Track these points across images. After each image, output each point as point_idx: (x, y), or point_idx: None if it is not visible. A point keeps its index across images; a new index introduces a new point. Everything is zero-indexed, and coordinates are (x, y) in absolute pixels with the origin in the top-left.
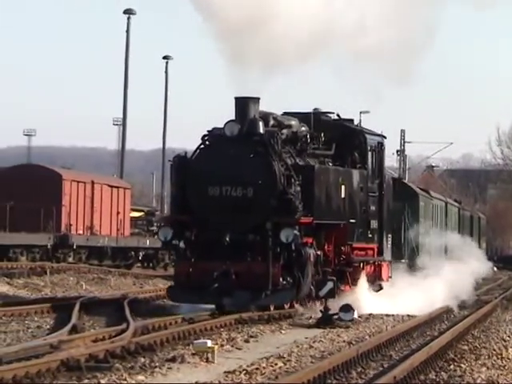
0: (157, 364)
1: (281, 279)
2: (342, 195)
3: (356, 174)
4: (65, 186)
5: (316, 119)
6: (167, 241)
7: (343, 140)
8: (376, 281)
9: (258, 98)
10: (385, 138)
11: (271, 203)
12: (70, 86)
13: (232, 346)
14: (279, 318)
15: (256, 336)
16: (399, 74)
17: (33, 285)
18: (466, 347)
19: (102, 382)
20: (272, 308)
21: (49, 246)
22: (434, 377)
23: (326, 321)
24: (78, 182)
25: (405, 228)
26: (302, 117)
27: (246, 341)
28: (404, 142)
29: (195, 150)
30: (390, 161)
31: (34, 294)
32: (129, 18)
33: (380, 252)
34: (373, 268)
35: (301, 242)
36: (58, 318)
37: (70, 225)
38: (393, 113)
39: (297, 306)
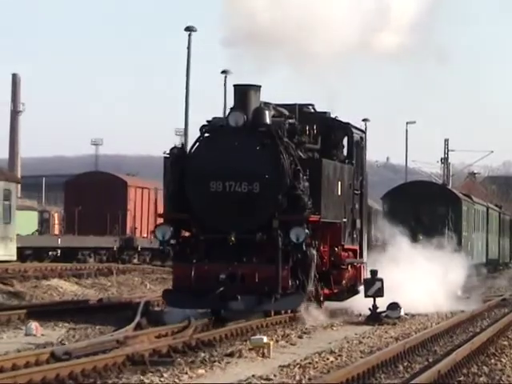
0: (216, 358)
1: (289, 282)
2: (339, 192)
3: (347, 170)
4: (130, 192)
5: (300, 111)
6: (165, 240)
7: (328, 133)
8: (356, 283)
9: (260, 86)
10: (364, 133)
11: (279, 199)
12: (135, 98)
13: (286, 342)
14: (331, 315)
15: (309, 332)
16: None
17: (100, 285)
18: (505, 343)
19: (165, 375)
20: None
21: (115, 248)
22: (475, 370)
23: (375, 318)
24: (143, 188)
25: (448, 232)
26: (287, 109)
27: (300, 337)
28: (448, 151)
29: (194, 142)
30: (434, 168)
31: (100, 294)
32: (190, 35)
33: (361, 253)
34: (354, 270)
35: (307, 243)
36: (123, 316)
37: (135, 228)
38: (437, 122)
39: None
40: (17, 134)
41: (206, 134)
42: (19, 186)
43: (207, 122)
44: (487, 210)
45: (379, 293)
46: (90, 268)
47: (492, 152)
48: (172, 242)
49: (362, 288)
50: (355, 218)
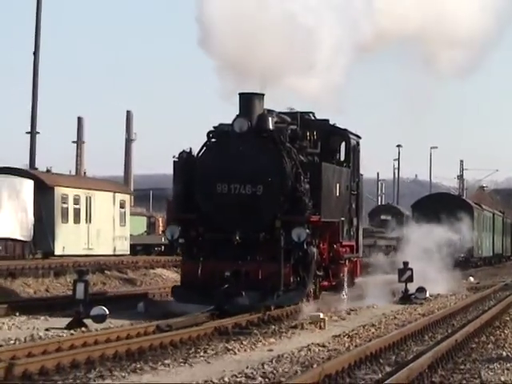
0: (283, 330)
1: (291, 279)
2: (338, 193)
3: (345, 173)
4: None
5: (301, 118)
6: (174, 239)
7: (327, 139)
8: (352, 277)
9: (263, 94)
10: (360, 138)
11: (281, 201)
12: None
13: (338, 317)
14: (372, 296)
15: (355, 310)
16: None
17: None
18: (507, 318)
19: (244, 342)
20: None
21: None
22: (485, 339)
23: (406, 299)
24: None
25: (463, 233)
26: (289, 116)
27: (348, 313)
28: (463, 169)
29: (202, 147)
30: (452, 182)
31: None
32: None
33: (357, 249)
34: (351, 264)
35: (308, 241)
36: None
37: None
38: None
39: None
40: (130, 157)
41: (213, 140)
42: (132, 197)
43: (214, 127)
44: (493, 216)
45: (410, 279)
46: None
47: (497, 170)
48: (180, 240)
49: (358, 280)
50: (352, 216)
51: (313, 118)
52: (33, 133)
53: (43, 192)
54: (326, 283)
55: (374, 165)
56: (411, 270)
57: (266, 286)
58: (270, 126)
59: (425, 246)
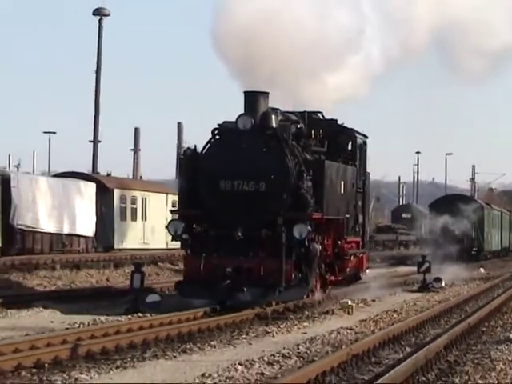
0: (316, 315)
1: (293, 275)
2: (342, 191)
3: (350, 171)
4: None
5: (309, 117)
6: (178, 235)
7: (334, 138)
8: (359, 271)
9: (268, 93)
10: (367, 137)
11: (283, 198)
12: None
13: (364, 304)
14: (394, 285)
15: (379, 298)
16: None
17: None
18: None
19: (281, 326)
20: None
21: None
22: (494, 323)
23: (424, 288)
24: None
25: (475, 229)
26: (297, 115)
27: (373, 300)
28: (474, 173)
29: (206, 144)
30: (464, 184)
31: None
32: None
33: (363, 245)
34: (356, 259)
35: (310, 238)
36: None
37: None
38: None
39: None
40: None
41: (217, 137)
42: None
43: (218, 125)
44: (501, 214)
45: (427, 270)
46: None
47: (504, 174)
48: (184, 236)
49: (366, 273)
50: (358, 213)
51: (321, 117)
52: (95, 141)
53: (104, 193)
54: (332, 278)
55: (396, 169)
56: (429, 262)
57: (268, 282)
58: (274, 124)
59: (441, 240)
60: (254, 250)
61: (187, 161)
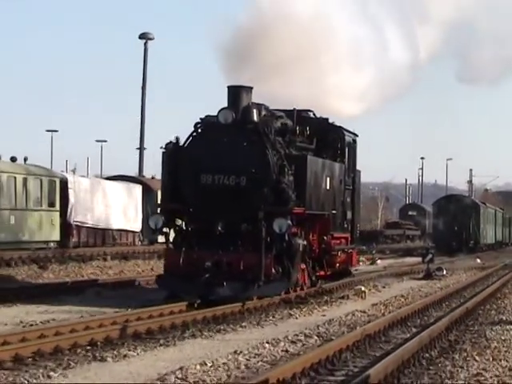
0: (334, 300)
1: (273, 270)
2: (328, 187)
3: (337, 167)
4: None
5: (298, 115)
6: (157, 228)
7: (323, 135)
8: (348, 266)
9: (251, 88)
10: (357, 136)
11: (264, 192)
12: None
13: (375, 290)
14: (402, 274)
15: (389, 285)
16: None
17: None
18: (507, 290)
19: (304, 309)
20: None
21: None
22: (489, 307)
23: (428, 276)
24: None
25: (472, 225)
26: (286, 113)
27: (383, 287)
28: (472, 176)
29: (187, 138)
30: (463, 186)
31: None
32: None
33: (352, 241)
34: (345, 255)
35: (291, 232)
36: None
37: None
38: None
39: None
40: None
41: (199, 130)
42: None
43: (200, 119)
44: (495, 212)
45: (431, 260)
46: None
47: (498, 177)
48: (164, 230)
49: (356, 268)
50: (346, 210)
51: (312, 115)
52: (141, 148)
53: (149, 194)
54: (322, 273)
55: (403, 173)
56: (432, 253)
57: (248, 277)
58: (255, 118)
59: (442, 234)
60: (234, 245)
61: (169, 154)
